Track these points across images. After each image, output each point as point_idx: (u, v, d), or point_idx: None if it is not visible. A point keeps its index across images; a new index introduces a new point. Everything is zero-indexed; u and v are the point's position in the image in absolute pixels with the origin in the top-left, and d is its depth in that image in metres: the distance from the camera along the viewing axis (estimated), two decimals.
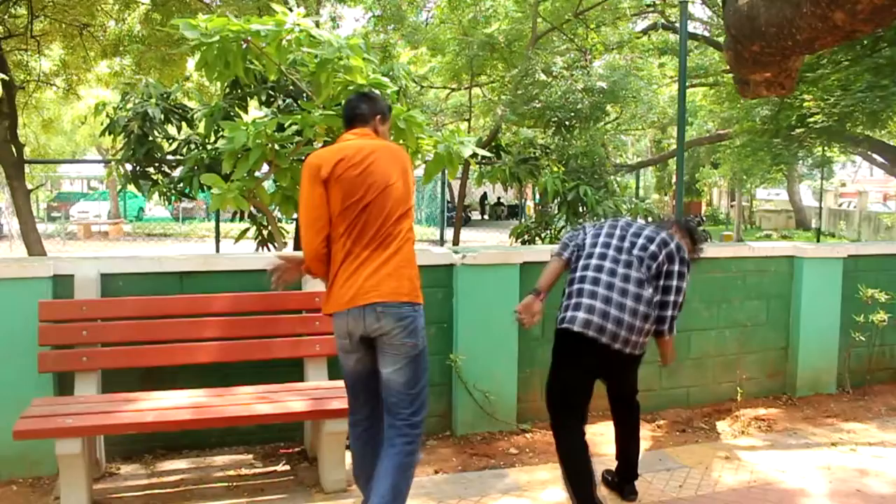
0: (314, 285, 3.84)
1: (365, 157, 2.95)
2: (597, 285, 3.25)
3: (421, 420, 2.93)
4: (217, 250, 8.53)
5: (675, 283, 3.33)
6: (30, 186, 8.48)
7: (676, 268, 3.34)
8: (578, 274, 3.33)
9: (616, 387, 3.59)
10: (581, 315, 3.20)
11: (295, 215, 5.62)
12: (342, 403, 3.28)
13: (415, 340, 2.89)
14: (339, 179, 2.90)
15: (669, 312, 3.33)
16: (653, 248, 3.33)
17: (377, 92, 3.20)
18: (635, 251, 3.33)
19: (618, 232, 3.41)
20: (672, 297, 3.33)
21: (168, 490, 3.55)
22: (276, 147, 4.29)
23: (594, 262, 3.32)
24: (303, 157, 4.76)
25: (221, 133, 5.14)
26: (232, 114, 5.36)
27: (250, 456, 3.97)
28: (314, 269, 2.99)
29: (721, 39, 10.79)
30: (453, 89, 14.23)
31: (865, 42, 9.15)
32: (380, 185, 2.90)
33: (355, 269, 2.85)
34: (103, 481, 3.62)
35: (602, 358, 3.26)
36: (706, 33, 14.37)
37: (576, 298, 3.25)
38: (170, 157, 5.98)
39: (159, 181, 5.92)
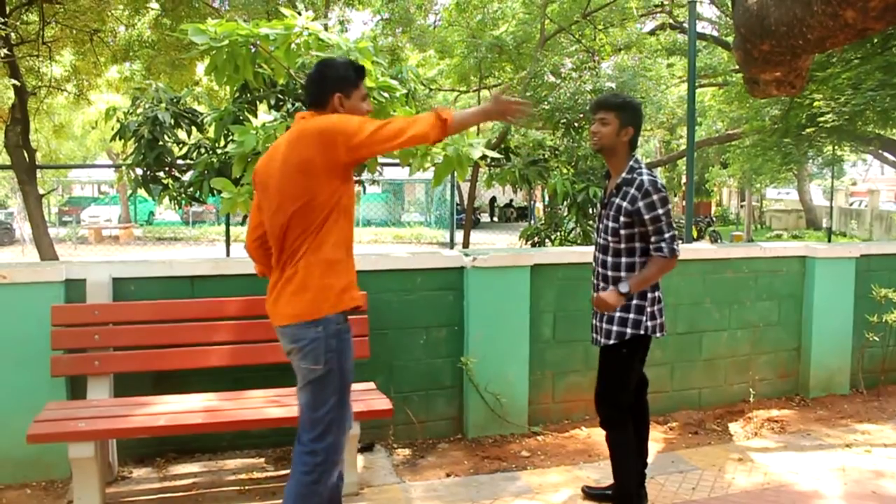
0: None
1: (269, 156, 2.69)
2: None
3: (324, 448, 2.62)
4: (227, 254, 8.53)
5: None
6: (41, 191, 8.54)
7: None
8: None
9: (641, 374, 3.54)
10: (665, 320, 3.30)
11: None
12: (354, 407, 3.27)
13: (312, 364, 2.57)
14: (256, 185, 2.75)
15: None
16: None
17: (333, 59, 2.72)
18: None
19: None
20: None
21: (180, 494, 3.56)
22: None
23: None
24: None
25: (231, 137, 5.16)
26: (241, 118, 5.38)
27: (262, 459, 3.98)
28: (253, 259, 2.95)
29: (730, 39, 10.74)
30: (462, 91, 14.27)
31: (876, 40, 9.11)
32: (274, 189, 2.59)
33: (271, 286, 2.72)
34: (116, 485, 3.63)
35: None
36: (715, 33, 14.35)
37: (660, 305, 3.28)
38: (180, 161, 6.01)
39: (169, 185, 5.95)
